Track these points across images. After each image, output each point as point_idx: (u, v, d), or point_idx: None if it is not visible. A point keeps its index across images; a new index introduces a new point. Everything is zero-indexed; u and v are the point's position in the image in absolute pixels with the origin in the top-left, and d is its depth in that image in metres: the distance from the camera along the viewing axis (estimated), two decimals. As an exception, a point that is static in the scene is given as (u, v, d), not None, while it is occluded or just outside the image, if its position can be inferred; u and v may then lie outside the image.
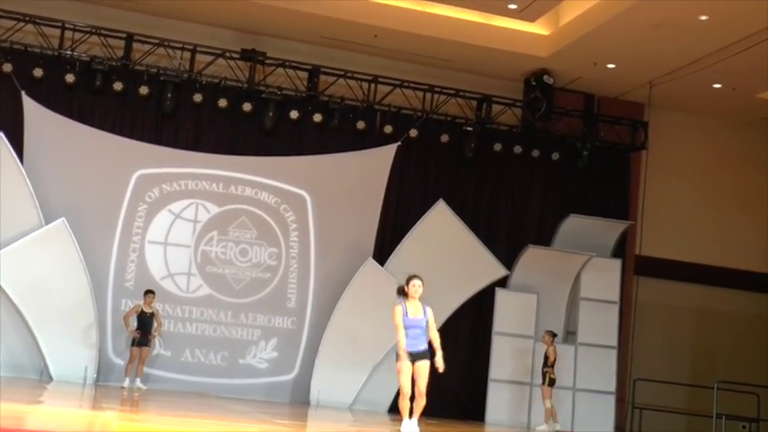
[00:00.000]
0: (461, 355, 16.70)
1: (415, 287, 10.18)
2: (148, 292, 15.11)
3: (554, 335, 15.28)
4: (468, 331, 16.88)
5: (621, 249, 17.58)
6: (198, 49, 16.09)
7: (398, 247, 16.33)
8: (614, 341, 16.73)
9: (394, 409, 15.71)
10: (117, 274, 15.57)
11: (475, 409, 16.35)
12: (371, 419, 13.18)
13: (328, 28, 15.97)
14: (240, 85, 16.26)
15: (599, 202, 17.66)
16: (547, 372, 15.02)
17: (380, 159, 16.57)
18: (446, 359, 16.42)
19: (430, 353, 10.17)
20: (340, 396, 15.58)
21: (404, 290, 10.17)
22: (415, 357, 10.12)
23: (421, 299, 10.21)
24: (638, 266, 17.82)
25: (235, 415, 10.68)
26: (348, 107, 16.61)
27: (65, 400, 10.68)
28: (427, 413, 15.09)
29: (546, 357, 15.14)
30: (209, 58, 16.14)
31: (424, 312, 10.22)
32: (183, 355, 15.62)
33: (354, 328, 15.60)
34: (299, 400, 15.64)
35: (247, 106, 16.19)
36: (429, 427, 12.37)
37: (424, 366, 10.15)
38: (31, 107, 15.33)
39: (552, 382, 14.98)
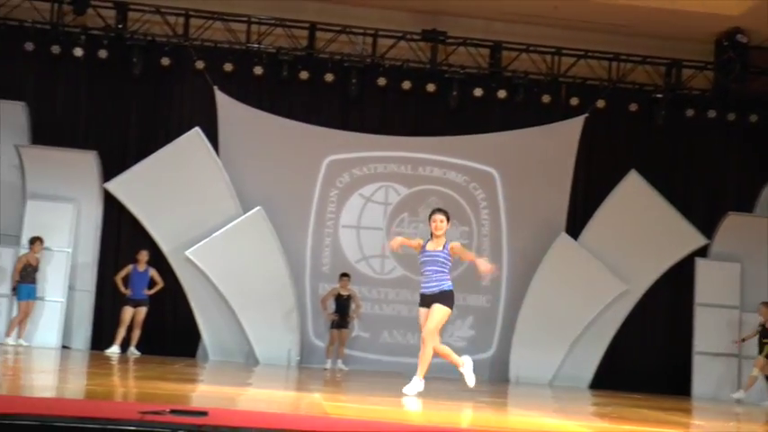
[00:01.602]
0: (662, 328, 16.30)
1: (436, 222, 9.00)
2: (343, 275, 15.43)
3: (771, 305, 14.66)
4: (667, 303, 16.39)
5: (830, 213, 16.62)
6: (379, 33, 16.22)
7: (591, 220, 16.01)
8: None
9: (595, 385, 15.52)
10: (313, 258, 15.96)
11: (680, 382, 15.85)
12: (572, 395, 12.97)
13: (508, 2, 15.76)
14: (423, 66, 16.30)
15: (804, 163, 16.74)
16: (766, 343, 14.42)
17: (568, 132, 16.27)
18: (646, 332, 16.22)
19: (443, 294, 9.05)
20: (539, 372, 15.45)
21: None
22: (424, 301, 9.14)
23: (446, 236, 9.12)
24: None
25: (436, 393, 10.71)
26: (532, 81, 16.36)
27: (271, 382, 11.00)
28: (631, 388, 14.90)
29: (765, 329, 14.53)
30: (391, 41, 16.24)
31: (445, 247, 9.03)
32: (382, 335, 15.87)
33: (550, 303, 15.41)
34: (497, 377, 15.61)
35: (431, 87, 16.22)
36: (634, 401, 12.08)
37: (430, 310, 9.11)
38: (223, 101, 15.88)
39: (770, 355, 14.42)
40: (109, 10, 15.81)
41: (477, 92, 16.24)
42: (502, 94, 16.26)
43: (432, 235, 9.09)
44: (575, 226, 16.15)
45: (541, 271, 15.62)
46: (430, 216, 9.17)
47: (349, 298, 15.40)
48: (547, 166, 16.25)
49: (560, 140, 16.30)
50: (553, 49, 16.38)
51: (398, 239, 9.32)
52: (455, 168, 16.34)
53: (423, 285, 9.11)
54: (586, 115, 16.27)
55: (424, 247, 9.04)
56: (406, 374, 14.84)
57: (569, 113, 16.38)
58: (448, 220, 9.14)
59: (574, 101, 16.34)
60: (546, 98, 16.34)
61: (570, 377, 15.55)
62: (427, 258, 8.98)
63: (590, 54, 16.40)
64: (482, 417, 7.50)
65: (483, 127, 16.52)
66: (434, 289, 9.00)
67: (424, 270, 9.06)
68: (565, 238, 15.78)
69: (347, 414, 6.57)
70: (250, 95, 16.17)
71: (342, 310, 15.32)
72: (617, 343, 15.99)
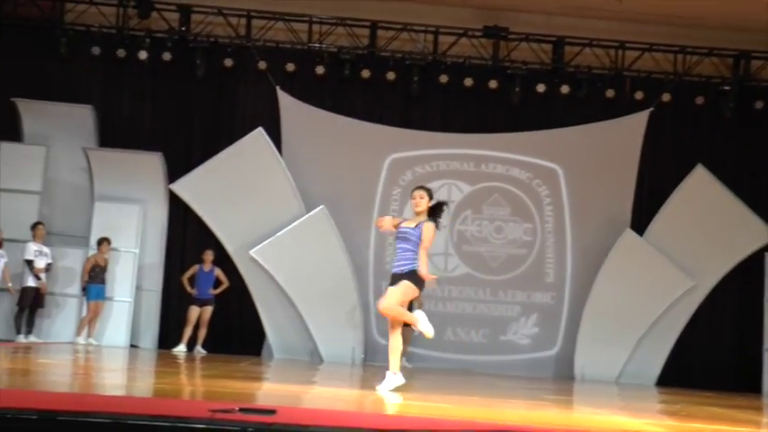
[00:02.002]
0: (731, 324, 16.07)
1: (415, 199, 8.60)
2: (407, 274, 15.41)
3: None
4: (736, 299, 16.11)
5: None
6: (440, 30, 16.20)
7: (657, 215, 15.80)
8: None
9: (662, 382, 15.32)
10: (376, 256, 15.99)
11: (750, 379, 15.55)
12: (639, 393, 12.83)
13: (570, -3, 15.63)
14: (485, 62, 16.23)
15: None
16: None
17: (633, 127, 16.06)
18: (714, 328, 15.95)
19: (412, 273, 8.44)
20: (605, 370, 15.28)
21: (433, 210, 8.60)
22: (393, 281, 8.55)
23: (424, 214, 8.61)
24: None
25: (501, 391, 10.68)
26: (596, 76, 16.20)
27: (336, 380, 11.05)
28: (699, 385, 14.69)
29: None
30: (453, 38, 16.20)
31: (418, 225, 8.52)
32: (445, 333, 15.82)
33: (616, 300, 15.23)
34: (562, 375, 15.49)
35: (493, 83, 16.14)
36: (703, 399, 11.91)
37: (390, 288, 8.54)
38: (285, 101, 15.99)
39: None
40: (172, 13, 16.01)
41: (540, 88, 16.12)
42: (565, 89, 16.12)
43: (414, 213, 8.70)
44: (640, 222, 15.94)
45: (606, 267, 15.45)
46: (411, 192, 8.83)
47: (413, 296, 15.38)
48: (611, 161, 16.07)
49: (625, 135, 16.10)
50: (617, 43, 16.20)
51: (388, 219, 8.91)
52: (518, 165, 16.25)
53: (393, 264, 8.67)
54: (651, 109, 16.05)
55: (400, 223, 8.71)
56: (471, 372, 14.90)
57: (634, 108, 16.17)
58: (430, 197, 8.69)
59: (638, 95, 16.13)
60: (610, 93, 16.15)
61: (637, 374, 15.37)
62: (400, 235, 8.59)
63: (654, 47, 16.19)
64: (548, 415, 7.45)
65: (546, 123, 16.39)
66: (404, 268, 8.52)
67: (396, 247, 8.66)
68: (630, 234, 15.59)
69: (412, 412, 6.57)
70: (312, 95, 16.24)
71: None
72: (684, 339, 15.75)
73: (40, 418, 4.70)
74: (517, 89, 16.11)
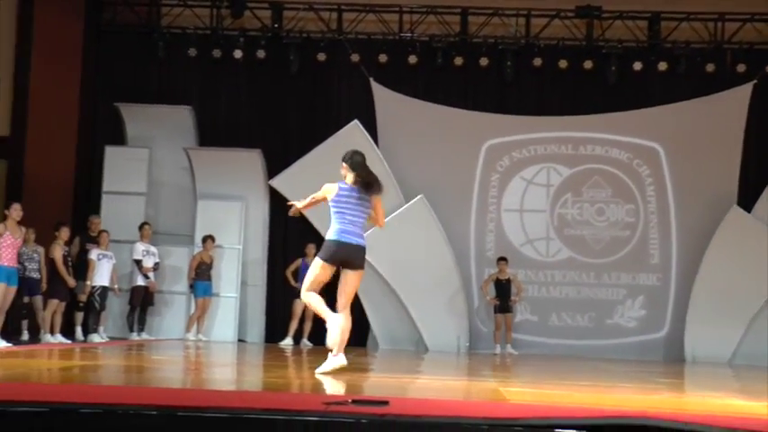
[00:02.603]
0: None
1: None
2: (501, 260, 15.39)
3: None
4: None
5: None
6: (532, 13, 16.04)
7: (765, 191, 15.33)
8: None
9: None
10: (477, 243, 15.94)
11: None
12: (755, 374, 12.48)
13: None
14: (579, 43, 16.03)
15: None
16: None
17: (735, 101, 15.66)
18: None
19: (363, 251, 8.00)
20: (717, 351, 14.92)
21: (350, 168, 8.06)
22: (346, 254, 7.93)
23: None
24: None
25: (611, 375, 10.53)
26: (694, 51, 15.83)
27: (444, 370, 11.04)
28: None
29: None
30: (545, 20, 16.03)
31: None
32: (550, 318, 15.70)
33: (725, 279, 14.86)
34: (672, 357, 15.21)
35: (588, 64, 15.92)
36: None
37: (355, 275, 8.04)
38: (380, 92, 16.03)
39: None
40: (264, 11, 16.20)
41: (637, 65, 15.84)
42: (662, 66, 15.80)
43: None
44: (747, 198, 15.52)
45: (714, 246, 15.08)
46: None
47: (509, 282, 15.32)
48: (714, 137, 15.69)
49: (728, 110, 15.69)
50: (715, 16, 15.80)
51: (297, 206, 8.62)
52: (617, 146, 15.99)
53: (344, 231, 8.08)
54: (755, 82, 15.61)
55: (341, 188, 8.14)
56: (578, 357, 14.73)
57: (736, 81, 15.75)
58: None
59: (740, 68, 15.70)
60: (710, 67, 15.77)
61: (751, 355, 14.91)
62: (353, 202, 8.11)
63: (756, 17, 15.73)
64: (660, 399, 7.31)
65: (644, 101, 16.08)
66: (356, 240, 8.11)
67: (347, 211, 8.13)
68: (737, 210, 15.19)
69: (526, 399, 6.52)
70: (406, 85, 16.25)
71: (503, 295, 15.27)
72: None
73: (160, 414, 4.79)
74: (613, 68, 15.86)
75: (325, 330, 14.20)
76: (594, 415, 4.68)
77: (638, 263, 15.75)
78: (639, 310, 15.69)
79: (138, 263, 14.78)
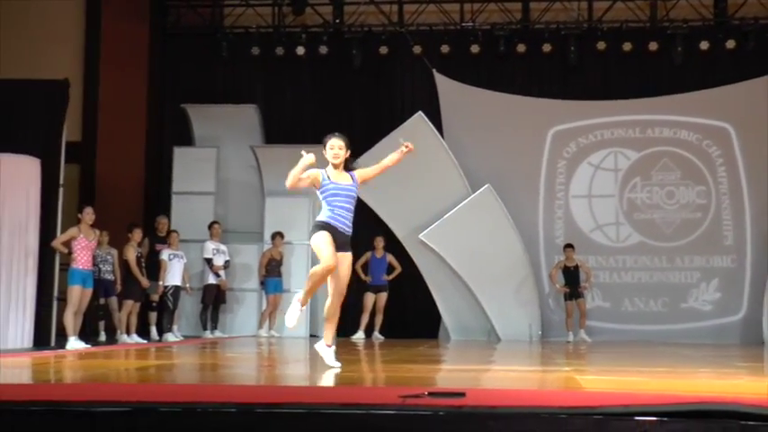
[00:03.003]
0: None
1: (334, 149, 7.67)
2: (567, 247, 15.25)
3: None
4: None
5: None
6: (593, -5, 15.88)
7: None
8: None
9: None
10: (546, 231, 15.84)
11: None
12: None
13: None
14: (643, 24, 15.82)
15: None
16: None
17: (809, 76, 15.30)
18: None
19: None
20: (797, 333, 14.65)
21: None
22: (341, 243, 7.76)
23: (348, 169, 7.83)
24: None
25: (689, 360, 10.38)
26: (764, 26, 15.51)
27: (518, 359, 10.98)
28: None
29: None
30: (607, 3, 15.89)
31: (353, 179, 7.80)
32: (623, 304, 15.54)
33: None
34: (750, 340, 14.91)
35: (653, 45, 15.70)
36: None
37: (346, 259, 7.93)
38: (443, 83, 16.00)
39: None
40: (325, 7, 16.27)
41: (704, 45, 15.57)
42: (731, 44, 15.52)
43: (332, 165, 7.85)
44: (823, 175, 15.19)
45: (790, 225, 14.79)
46: (326, 143, 7.89)
47: (577, 268, 15.17)
48: (786, 114, 15.36)
49: (800, 85, 15.36)
50: (786, -11, 15.47)
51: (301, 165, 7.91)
52: (686, 127, 15.74)
53: (335, 219, 7.90)
54: (826, 56, 15.27)
55: (326, 177, 7.82)
56: (652, 342, 14.54)
57: (808, 56, 15.41)
58: (347, 148, 7.90)
59: (813, 42, 15.36)
60: (780, 43, 15.46)
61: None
62: (340, 192, 7.83)
63: (828, -11, 15.37)
64: (743, 384, 7.18)
65: (712, 81, 15.80)
66: (348, 230, 8.00)
67: (335, 202, 7.88)
68: (811, 188, 14.88)
69: (604, 387, 6.46)
70: (469, 74, 16.19)
71: (572, 282, 15.12)
72: None
73: (239, 411, 4.83)
74: (679, 49, 15.62)
75: (395, 323, 14.17)
76: (679, 401, 4.60)
77: (712, 245, 15.50)
78: (714, 293, 15.44)
79: (209, 261, 14.95)
